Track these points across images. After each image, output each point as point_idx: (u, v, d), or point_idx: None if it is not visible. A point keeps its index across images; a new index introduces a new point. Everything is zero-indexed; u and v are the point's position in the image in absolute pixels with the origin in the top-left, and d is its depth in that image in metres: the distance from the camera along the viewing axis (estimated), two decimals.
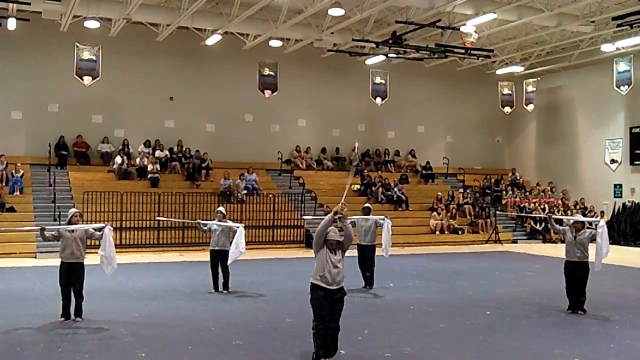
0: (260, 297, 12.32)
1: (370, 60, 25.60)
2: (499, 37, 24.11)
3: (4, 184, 20.76)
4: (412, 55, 24.77)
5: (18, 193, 20.74)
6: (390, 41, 22.46)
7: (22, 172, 21.35)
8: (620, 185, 26.17)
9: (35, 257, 17.82)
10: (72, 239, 9.91)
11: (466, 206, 25.64)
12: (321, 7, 19.51)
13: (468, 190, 27.02)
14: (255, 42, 23.29)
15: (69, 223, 9.99)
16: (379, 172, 27.02)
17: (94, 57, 21.60)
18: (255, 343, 8.53)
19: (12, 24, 20.21)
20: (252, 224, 20.43)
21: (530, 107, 28.52)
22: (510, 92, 28.82)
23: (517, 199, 26.93)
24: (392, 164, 28.22)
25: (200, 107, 25.18)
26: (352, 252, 20.73)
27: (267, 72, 24.36)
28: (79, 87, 21.80)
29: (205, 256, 18.51)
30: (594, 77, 26.74)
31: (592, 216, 25.86)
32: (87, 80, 21.61)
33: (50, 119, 23.21)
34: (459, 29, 20.98)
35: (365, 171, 26.43)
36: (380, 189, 25.20)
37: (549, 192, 27.65)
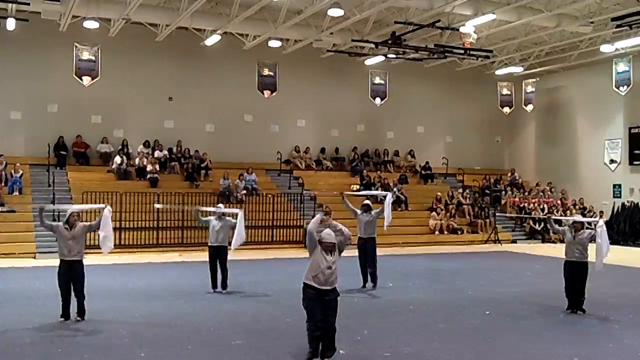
0: (260, 297, 12.33)
1: (370, 61, 25.60)
2: (498, 37, 24.11)
3: (3, 184, 20.73)
4: (412, 56, 24.77)
5: (17, 193, 20.73)
6: (390, 41, 22.47)
7: (21, 172, 21.33)
8: (620, 186, 26.18)
9: (34, 258, 17.81)
10: (69, 237, 9.86)
11: (465, 206, 25.66)
12: (320, 7, 19.51)
13: (467, 191, 27.04)
14: (254, 43, 23.29)
15: (67, 222, 9.96)
16: (378, 172, 27.01)
17: (93, 58, 21.59)
18: (255, 343, 8.53)
19: (11, 24, 20.21)
20: (252, 224, 20.38)
21: (530, 107, 28.53)
22: (509, 92, 28.82)
23: (517, 199, 26.94)
24: (391, 164, 28.23)
25: (199, 107, 25.17)
26: (351, 252, 20.73)
27: (266, 72, 24.35)
28: (78, 87, 21.78)
29: (204, 256, 18.54)
30: (593, 78, 26.75)
31: (592, 216, 25.90)
32: (86, 80, 21.59)
33: (50, 119, 23.19)
34: (458, 30, 20.99)
35: (365, 171, 26.43)
36: (380, 189, 25.17)
37: (548, 192, 27.66)
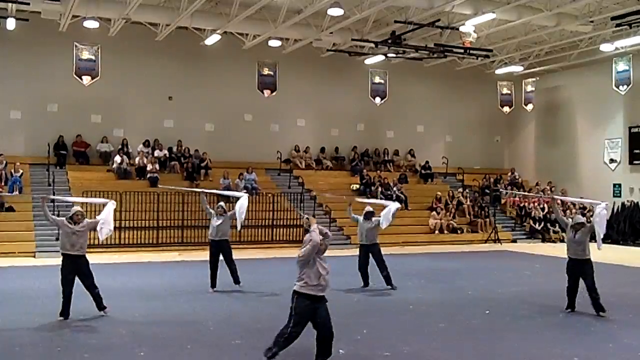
0: (260, 296, 12.33)
1: (370, 60, 25.59)
2: (498, 36, 24.11)
3: (3, 183, 20.73)
4: (412, 55, 24.77)
5: (17, 192, 20.71)
6: (390, 41, 22.46)
7: (21, 171, 21.32)
8: (619, 185, 26.18)
9: (34, 257, 17.82)
10: (72, 232, 9.88)
11: (465, 206, 25.67)
12: (320, 7, 19.51)
13: (467, 190, 27.04)
14: (254, 42, 23.28)
15: (71, 219, 9.95)
16: (378, 171, 27.00)
17: (93, 57, 21.59)
18: (255, 343, 8.52)
19: (11, 24, 20.21)
20: (252, 223, 20.40)
21: (530, 106, 28.53)
22: (509, 91, 28.82)
23: (517, 199, 26.94)
24: (391, 164, 28.22)
25: (199, 106, 25.17)
26: (349, 253, 20.67)
27: (266, 71, 24.35)
28: (78, 86, 21.78)
29: (204, 255, 18.51)
30: (593, 77, 26.74)
31: (592, 216, 25.87)
32: (86, 80, 21.59)
33: (50, 118, 23.19)
34: (458, 29, 20.99)
35: (365, 171, 26.43)
36: (380, 189, 25.20)
37: (548, 192, 27.63)
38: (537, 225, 25.47)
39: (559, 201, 11.32)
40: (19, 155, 22.46)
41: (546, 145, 29.61)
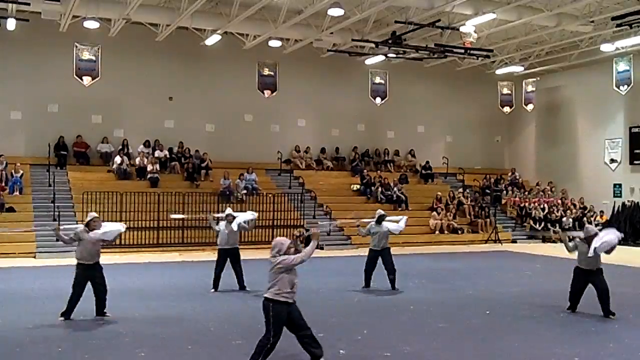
0: (260, 296, 12.28)
1: (370, 60, 25.59)
2: (498, 37, 24.11)
3: (3, 184, 20.74)
4: (412, 55, 24.77)
5: (17, 193, 20.74)
6: (390, 41, 22.46)
7: (21, 172, 21.35)
8: (620, 185, 26.18)
9: (34, 257, 17.82)
10: (91, 241, 10.01)
11: (466, 206, 25.66)
12: (321, 7, 19.51)
13: (468, 190, 27.04)
14: (254, 42, 23.29)
15: (87, 226, 10.06)
16: (379, 172, 27.01)
17: (93, 57, 21.60)
18: (255, 343, 8.48)
19: (11, 24, 20.21)
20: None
21: (530, 107, 28.52)
22: (509, 92, 28.82)
23: (517, 199, 26.94)
24: (391, 164, 28.22)
25: (199, 107, 25.18)
26: (348, 253, 20.64)
27: (266, 72, 24.36)
28: (78, 87, 21.79)
29: (204, 256, 18.53)
30: (593, 77, 26.74)
31: (592, 216, 25.90)
32: (86, 80, 21.60)
33: (50, 119, 23.19)
34: (458, 29, 20.99)
35: (365, 171, 26.43)
36: (380, 189, 25.21)
37: (549, 192, 27.65)
38: (537, 225, 25.45)
39: (569, 234, 10.95)
40: (20, 155, 22.47)
41: (547, 146, 29.61)
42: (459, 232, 24.31)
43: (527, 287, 13.78)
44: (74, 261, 15.85)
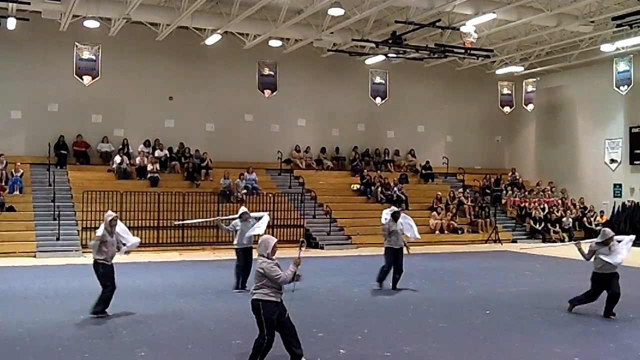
0: None
1: (370, 60, 25.59)
2: (498, 37, 24.11)
3: (3, 183, 20.74)
4: (412, 55, 24.76)
5: (18, 192, 20.74)
6: (390, 41, 22.46)
7: (21, 171, 21.35)
8: (620, 185, 26.18)
9: (35, 257, 17.81)
10: (113, 242, 10.21)
11: (466, 206, 25.66)
12: (321, 7, 19.50)
13: (468, 190, 27.04)
14: (254, 42, 23.28)
15: (110, 224, 10.22)
16: (379, 171, 27.01)
17: (93, 57, 21.58)
18: None
19: (11, 23, 20.20)
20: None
21: (530, 107, 28.50)
22: (509, 92, 28.80)
23: (517, 199, 26.94)
24: (391, 164, 28.22)
25: (199, 106, 25.17)
26: (346, 253, 20.65)
27: (266, 71, 24.34)
28: (78, 86, 21.78)
29: (204, 255, 18.56)
30: (593, 77, 26.73)
31: (592, 216, 25.91)
32: (86, 79, 21.59)
33: (50, 118, 23.19)
34: (458, 29, 20.97)
35: (365, 171, 26.43)
36: (380, 189, 25.20)
37: (549, 192, 27.65)
38: (537, 225, 25.45)
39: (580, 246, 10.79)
40: (20, 155, 22.47)
41: (547, 146, 29.60)
42: (459, 232, 24.31)
43: (526, 287, 13.78)
44: (73, 261, 15.90)
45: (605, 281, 10.35)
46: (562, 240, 24.77)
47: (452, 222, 24.48)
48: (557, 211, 26.04)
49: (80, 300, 11.28)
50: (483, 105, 29.76)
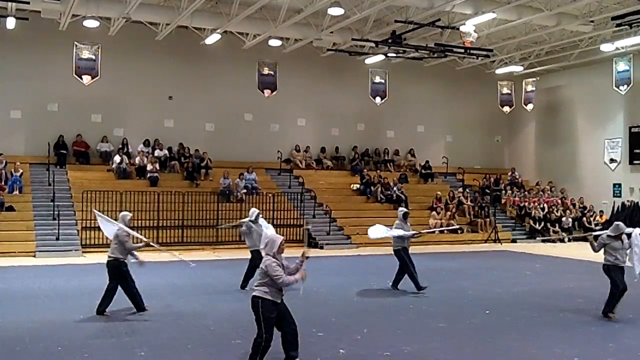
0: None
1: (370, 60, 25.58)
2: (498, 36, 24.10)
3: (3, 183, 20.73)
4: (412, 55, 24.77)
5: (17, 192, 20.73)
6: (390, 41, 22.45)
7: (21, 171, 21.34)
8: (620, 185, 26.18)
9: (34, 257, 17.80)
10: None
11: (466, 205, 25.66)
12: (320, 6, 19.49)
13: (467, 190, 27.03)
14: (254, 42, 23.27)
15: (127, 226, 10.50)
16: (378, 171, 27.01)
17: (93, 57, 21.56)
18: None
19: (11, 23, 20.19)
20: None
21: (530, 106, 28.49)
22: (509, 91, 28.79)
23: (517, 199, 26.94)
24: (391, 164, 28.21)
25: (199, 106, 25.16)
26: (348, 252, 20.62)
27: (266, 71, 24.32)
28: (78, 86, 21.75)
29: (204, 255, 18.54)
30: (593, 77, 26.73)
31: (592, 216, 25.91)
32: (86, 79, 21.56)
33: (50, 118, 23.18)
34: (458, 29, 20.97)
35: (365, 170, 26.43)
36: (380, 189, 25.20)
37: (548, 192, 27.65)
38: (537, 225, 25.46)
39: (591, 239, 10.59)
40: (19, 154, 22.45)
41: (546, 145, 29.60)
42: (459, 231, 24.29)
43: (526, 287, 13.78)
44: (73, 260, 15.90)
45: (622, 275, 10.17)
46: (562, 240, 24.79)
47: (452, 221, 24.46)
48: (557, 211, 26.04)
49: (80, 300, 11.30)
50: (483, 105, 29.76)
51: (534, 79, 28.41)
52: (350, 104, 27.36)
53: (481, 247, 22.84)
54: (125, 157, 23.23)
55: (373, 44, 22.99)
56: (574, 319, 10.39)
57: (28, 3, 18.83)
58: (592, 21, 21.21)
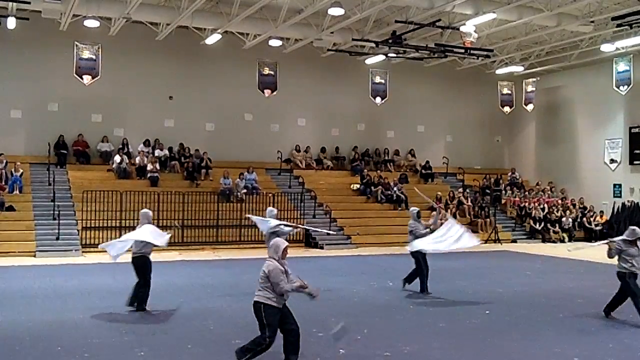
0: None
1: (370, 60, 25.58)
2: (498, 36, 24.10)
3: (3, 182, 20.74)
4: (412, 55, 24.76)
5: (17, 192, 20.73)
6: (390, 41, 22.44)
7: (21, 171, 21.34)
8: (620, 185, 26.17)
9: (34, 256, 17.80)
10: None
11: (466, 206, 25.65)
12: (321, 6, 19.50)
13: (468, 190, 27.02)
14: (255, 42, 23.28)
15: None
16: (379, 171, 27.00)
17: (93, 56, 21.58)
18: None
19: (11, 23, 20.19)
20: (252, 223, 20.43)
21: (530, 106, 28.50)
22: (509, 91, 28.80)
23: (517, 199, 26.94)
24: (391, 164, 28.21)
25: (199, 106, 25.16)
26: (348, 252, 20.64)
27: (266, 71, 24.34)
28: (78, 86, 21.78)
29: (204, 255, 18.54)
30: (593, 77, 26.73)
31: (592, 216, 25.90)
32: (86, 79, 21.58)
33: (50, 118, 23.19)
34: (458, 29, 20.97)
35: (365, 171, 26.43)
36: (380, 189, 25.20)
37: (549, 192, 27.65)
38: (537, 225, 25.45)
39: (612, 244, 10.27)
40: (20, 154, 22.46)
41: (547, 146, 29.60)
42: None
43: (526, 287, 13.78)
44: (73, 260, 15.93)
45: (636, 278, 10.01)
46: (562, 240, 24.78)
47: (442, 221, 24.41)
48: (557, 211, 26.03)
49: (80, 300, 11.31)
50: (483, 105, 29.76)
51: (534, 79, 28.41)
52: (351, 104, 27.36)
53: (481, 247, 22.76)
54: (125, 157, 23.24)
55: (373, 44, 22.99)
56: (574, 319, 10.39)
57: (29, 3, 18.83)
58: (592, 21, 21.22)
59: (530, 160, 30.48)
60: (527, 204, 26.38)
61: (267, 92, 24.38)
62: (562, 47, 25.60)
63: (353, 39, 23.06)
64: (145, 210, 11.29)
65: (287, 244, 7.42)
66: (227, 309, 10.98)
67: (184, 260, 18.05)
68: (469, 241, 12.66)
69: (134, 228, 19.50)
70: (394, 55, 24.72)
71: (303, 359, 7.50)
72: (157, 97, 24.66)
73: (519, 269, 16.94)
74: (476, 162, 30.15)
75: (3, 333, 8.96)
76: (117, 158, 23.06)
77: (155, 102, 24.64)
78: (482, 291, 13.07)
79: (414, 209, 13.44)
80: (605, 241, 10.27)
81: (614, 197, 26.09)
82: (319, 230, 13.44)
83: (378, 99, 26.16)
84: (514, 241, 24.39)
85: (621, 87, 24.57)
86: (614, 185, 26.30)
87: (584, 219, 25.88)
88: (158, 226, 20.19)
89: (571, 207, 26.62)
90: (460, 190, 26.67)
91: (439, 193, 25.63)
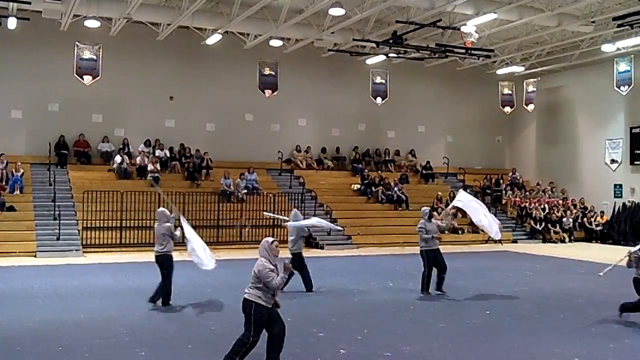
0: None
1: (371, 60, 25.59)
2: (499, 37, 24.10)
3: (4, 183, 20.74)
4: (413, 55, 24.75)
5: (18, 192, 20.74)
6: (391, 41, 22.44)
7: (22, 171, 21.36)
8: (621, 185, 26.16)
9: (35, 257, 17.81)
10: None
11: None
12: (321, 6, 19.50)
13: (468, 190, 26.97)
14: (255, 42, 23.28)
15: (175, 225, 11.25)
16: (379, 171, 27.01)
17: (94, 57, 21.58)
18: None
19: (12, 23, 20.21)
20: (252, 223, 20.47)
21: (531, 107, 28.48)
22: (510, 92, 28.78)
23: (517, 199, 26.92)
24: (392, 164, 28.21)
25: (200, 106, 25.17)
26: (348, 252, 20.61)
27: (267, 71, 24.34)
28: (79, 86, 21.78)
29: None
30: (594, 77, 26.71)
31: (592, 216, 25.89)
32: (87, 79, 21.58)
33: (51, 118, 23.20)
34: (459, 29, 20.96)
35: (366, 171, 26.42)
36: (381, 189, 25.19)
37: (549, 192, 27.63)
38: (537, 225, 25.44)
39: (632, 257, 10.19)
40: (20, 154, 22.48)
41: (547, 146, 29.59)
42: (460, 232, 24.28)
43: (527, 287, 13.78)
44: (73, 260, 15.95)
45: None
46: (563, 241, 24.78)
47: (452, 222, 24.43)
48: (558, 211, 26.02)
49: (80, 300, 11.31)
50: (483, 105, 29.75)
51: (535, 80, 28.40)
52: (351, 104, 27.36)
53: (482, 248, 22.84)
54: (126, 157, 23.24)
55: (374, 45, 23.00)
56: (574, 319, 10.39)
57: (29, 3, 18.84)
58: (593, 22, 21.21)
59: (530, 160, 30.47)
60: (527, 204, 26.37)
61: (267, 92, 24.38)
62: (562, 47, 25.59)
63: (353, 39, 23.07)
64: (162, 209, 11.53)
65: (272, 240, 7.41)
66: (227, 309, 10.98)
67: (184, 260, 18.01)
68: (494, 229, 13.33)
69: (134, 228, 19.69)
70: (395, 55, 24.72)
71: (303, 359, 7.50)
72: (158, 98, 24.67)
73: (519, 269, 16.95)
74: (477, 163, 30.14)
75: (4, 333, 8.96)
76: (118, 158, 23.07)
77: (155, 102, 24.65)
78: (483, 291, 13.06)
79: (425, 209, 13.38)
80: (626, 254, 10.27)
81: (615, 197, 26.07)
82: (330, 224, 13.54)
83: (379, 99, 26.16)
84: (515, 241, 24.38)
85: (622, 88, 24.55)
86: (615, 185, 26.29)
87: (585, 219, 25.87)
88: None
89: (572, 207, 26.61)
90: (461, 190, 26.60)
91: (440, 193, 25.62)
